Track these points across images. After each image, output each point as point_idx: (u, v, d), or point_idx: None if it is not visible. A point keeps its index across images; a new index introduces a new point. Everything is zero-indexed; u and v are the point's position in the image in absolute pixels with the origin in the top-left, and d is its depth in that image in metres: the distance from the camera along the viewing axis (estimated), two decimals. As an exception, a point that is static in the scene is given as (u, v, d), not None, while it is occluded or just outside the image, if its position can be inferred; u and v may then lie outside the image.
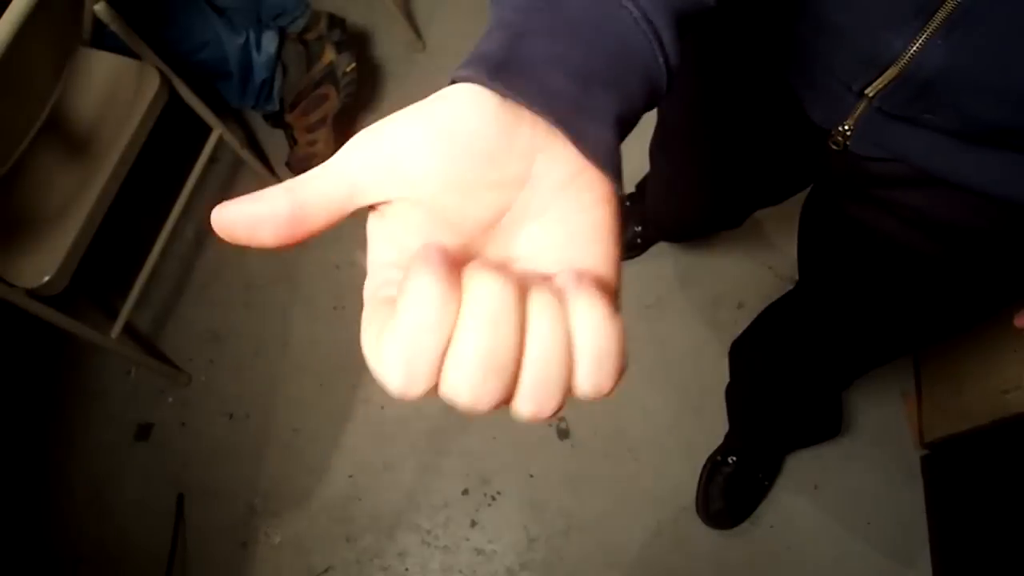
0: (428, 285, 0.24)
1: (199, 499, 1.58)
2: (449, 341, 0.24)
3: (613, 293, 0.29)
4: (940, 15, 0.46)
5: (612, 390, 0.26)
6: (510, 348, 0.24)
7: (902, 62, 0.50)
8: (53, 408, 1.67)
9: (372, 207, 0.28)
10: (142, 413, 1.66)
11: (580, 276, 0.26)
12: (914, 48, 0.49)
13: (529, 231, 0.29)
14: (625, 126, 0.31)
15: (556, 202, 0.29)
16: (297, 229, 0.27)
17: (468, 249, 0.29)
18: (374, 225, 0.29)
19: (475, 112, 0.27)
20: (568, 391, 0.26)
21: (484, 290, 0.24)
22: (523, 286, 0.25)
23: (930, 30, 0.47)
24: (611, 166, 0.29)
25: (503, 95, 0.28)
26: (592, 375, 0.25)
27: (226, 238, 0.27)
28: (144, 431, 1.64)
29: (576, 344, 0.25)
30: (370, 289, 0.28)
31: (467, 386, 0.24)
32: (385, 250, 0.29)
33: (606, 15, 0.30)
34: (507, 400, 0.25)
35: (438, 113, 0.27)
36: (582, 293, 0.25)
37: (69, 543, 1.57)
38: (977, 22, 0.45)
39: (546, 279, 0.27)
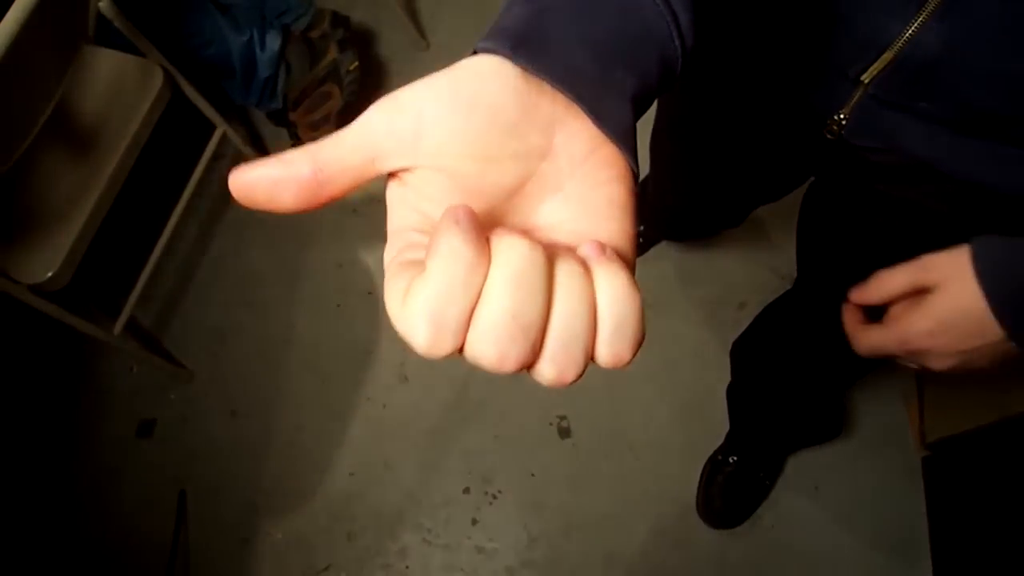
0: (459, 243, 0.24)
1: (201, 496, 1.58)
2: (477, 301, 0.24)
3: (631, 266, 0.30)
4: None
5: (630, 360, 0.27)
6: (537, 310, 0.24)
7: (897, 46, 0.51)
8: (56, 404, 1.68)
9: (392, 175, 0.29)
10: (145, 409, 1.66)
11: (603, 247, 0.27)
12: (909, 31, 0.49)
13: (549, 203, 0.29)
14: (641, 105, 0.31)
15: (574, 176, 0.29)
16: (318, 193, 0.27)
17: (491, 215, 0.29)
18: (394, 192, 0.29)
19: (498, 83, 0.27)
20: (590, 358, 0.26)
21: (514, 252, 0.25)
22: (550, 253, 0.26)
23: (926, 13, 0.47)
24: (628, 144, 0.30)
25: (525, 69, 0.28)
26: (614, 342, 0.26)
27: (244, 202, 0.27)
28: (147, 427, 1.65)
29: (600, 312, 0.26)
30: (391, 254, 0.28)
31: (493, 346, 0.24)
32: (407, 216, 0.29)
33: None
34: (531, 363, 0.25)
35: (461, 82, 0.27)
36: (605, 263, 0.26)
37: (71, 539, 1.57)
38: (972, 5, 0.45)
39: (569, 249, 0.27)
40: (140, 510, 1.58)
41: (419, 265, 0.25)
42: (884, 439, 1.54)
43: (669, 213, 1.39)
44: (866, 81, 0.56)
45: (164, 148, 1.47)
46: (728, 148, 0.92)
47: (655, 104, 1.01)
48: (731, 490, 1.48)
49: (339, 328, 1.68)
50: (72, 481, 1.62)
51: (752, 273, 1.67)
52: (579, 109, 0.29)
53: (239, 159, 1.75)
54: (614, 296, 0.26)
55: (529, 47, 0.28)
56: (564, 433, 1.58)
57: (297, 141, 1.72)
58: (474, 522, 1.53)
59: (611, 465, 1.56)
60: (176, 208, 1.53)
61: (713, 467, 1.50)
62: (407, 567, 1.51)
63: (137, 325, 1.69)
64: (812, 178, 0.92)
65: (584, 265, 0.26)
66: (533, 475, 1.56)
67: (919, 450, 1.51)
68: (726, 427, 1.50)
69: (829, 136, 0.65)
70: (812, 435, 1.51)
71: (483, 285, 0.24)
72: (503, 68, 0.28)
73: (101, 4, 1.16)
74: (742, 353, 1.35)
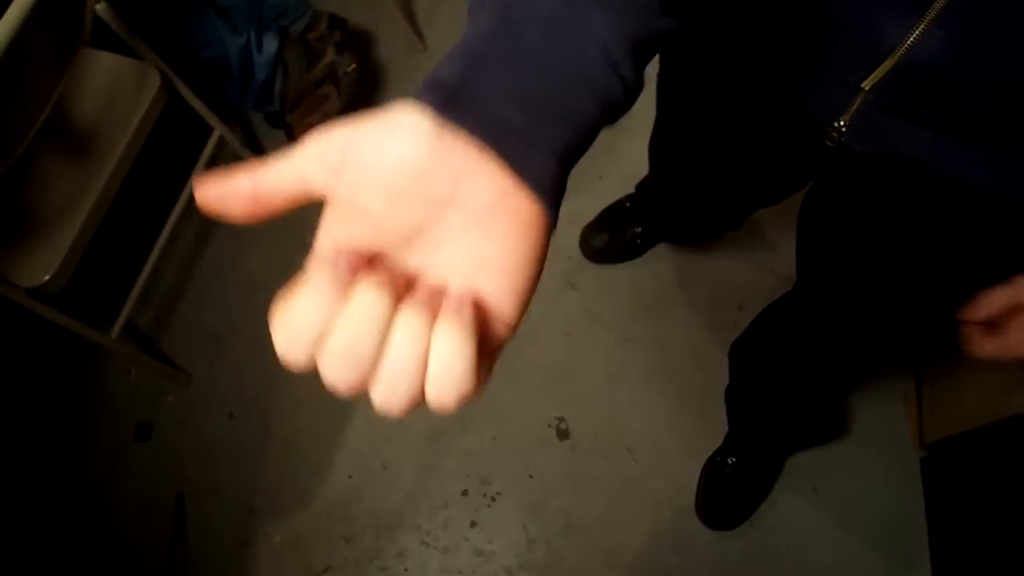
0: (314, 290, 0.29)
1: (199, 498, 1.58)
2: (327, 330, 0.29)
3: (508, 321, 0.32)
4: (938, 4, 0.46)
5: (454, 408, 0.29)
6: (368, 348, 0.28)
7: (899, 52, 0.50)
8: (53, 407, 1.67)
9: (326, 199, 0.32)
10: (142, 412, 1.66)
11: (461, 304, 0.30)
12: (911, 38, 0.49)
13: (447, 247, 0.31)
14: (573, 157, 0.33)
15: (475, 227, 0.30)
16: (258, 209, 0.31)
17: (395, 249, 0.31)
18: (326, 214, 0.32)
19: (410, 134, 0.30)
20: (419, 396, 0.29)
21: (362, 296, 0.29)
22: (403, 298, 0.30)
23: (928, 19, 0.47)
24: (547, 194, 0.31)
25: (449, 122, 0.30)
26: (437, 390, 0.29)
27: (203, 208, 0.31)
28: (144, 430, 1.64)
29: (430, 362, 0.29)
30: (311, 261, 0.32)
31: (329, 369, 0.29)
32: (323, 238, 0.32)
33: (566, 48, 0.32)
34: (362, 389, 0.29)
35: (380, 129, 0.30)
36: (449, 320, 0.29)
37: (69, 542, 1.57)
38: (974, 11, 0.45)
39: (439, 295, 0.30)
40: (138, 513, 1.58)
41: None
42: (883, 440, 1.54)
43: (668, 215, 1.39)
44: (866, 88, 0.56)
45: (161, 150, 1.47)
46: (728, 153, 0.92)
47: (655, 107, 1.01)
48: (730, 491, 1.48)
49: (337, 330, 1.67)
50: (70, 484, 1.61)
51: (751, 274, 1.67)
52: (492, 161, 0.30)
53: (236, 161, 1.75)
54: (443, 352, 0.28)
55: (458, 102, 0.30)
56: (563, 435, 1.58)
57: (294, 143, 1.71)
58: (473, 524, 1.53)
59: (610, 466, 1.56)
60: (174, 211, 1.53)
61: (712, 468, 1.50)
62: (405, 569, 1.51)
63: (135, 328, 1.69)
64: (812, 183, 0.92)
65: (436, 315, 0.29)
66: (532, 477, 1.56)
67: (918, 451, 1.51)
68: (725, 428, 1.50)
69: (829, 143, 0.65)
70: (811, 436, 1.51)
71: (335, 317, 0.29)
72: (420, 123, 0.30)
73: (98, 7, 1.16)
74: (741, 354, 1.35)
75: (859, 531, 1.49)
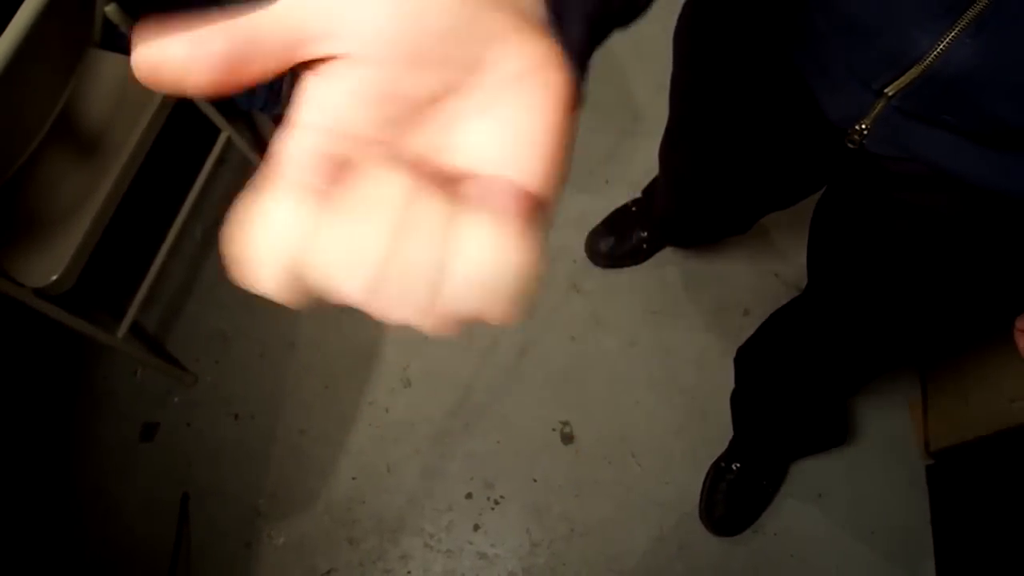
0: (287, 201, 0.23)
1: (204, 499, 1.58)
2: (307, 237, 0.23)
3: (540, 205, 0.27)
4: (970, 13, 0.45)
5: (506, 316, 0.25)
6: (380, 240, 0.23)
7: (927, 60, 0.49)
8: (59, 407, 1.68)
9: (310, 65, 0.26)
10: (148, 413, 1.66)
11: (509, 190, 0.25)
12: (940, 47, 0.48)
13: (469, 122, 0.27)
14: (599, 31, 0.30)
15: (505, 96, 0.27)
16: (233, 76, 0.24)
17: (402, 126, 0.26)
18: (309, 84, 0.26)
19: None
20: (435, 299, 0.24)
21: (370, 183, 0.23)
22: (424, 183, 0.24)
23: (958, 28, 0.46)
24: (582, 67, 0.29)
25: None
26: (473, 291, 0.24)
27: (148, 82, 0.25)
28: (150, 431, 1.65)
29: (462, 253, 0.24)
30: (279, 150, 0.26)
31: (328, 273, 0.23)
32: (311, 111, 0.26)
33: None
34: (368, 293, 0.24)
35: None
36: (501, 214, 0.24)
37: (73, 542, 1.57)
38: (1007, 21, 0.44)
39: (466, 178, 0.26)
40: (142, 513, 1.58)
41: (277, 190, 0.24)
42: (888, 447, 1.54)
43: (678, 220, 1.38)
44: (890, 93, 0.55)
45: (169, 152, 1.47)
46: (744, 154, 0.91)
47: (667, 109, 1.01)
48: (734, 497, 1.48)
49: (342, 332, 1.68)
50: (75, 484, 1.62)
51: (756, 279, 1.67)
52: (527, 24, 0.27)
53: (244, 163, 1.76)
54: (482, 242, 0.24)
55: None
56: (567, 439, 1.58)
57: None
58: (476, 527, 1.53)
59: (614, 471, 1.55)
60: (181, 212, 1.53)
61: (716, 474, 1.50)
62: (408, 572, 1.51)
63: (141, 328, 1.70)
64: (826, 186, 0.91)
65: (462, 203, 0.24)
66: (535, 481, 1.56)
67: (923, 458, 1.50)
68: (729, 434, 1.50)
69: (850, 145, 0.64)
70: (816, 442, 1.50)
71: (322, 215, 0.23)
72: None
73: (107, 8, 1.16)
74: (747, 360, 1.35)
75: (864, 538, 1.49)
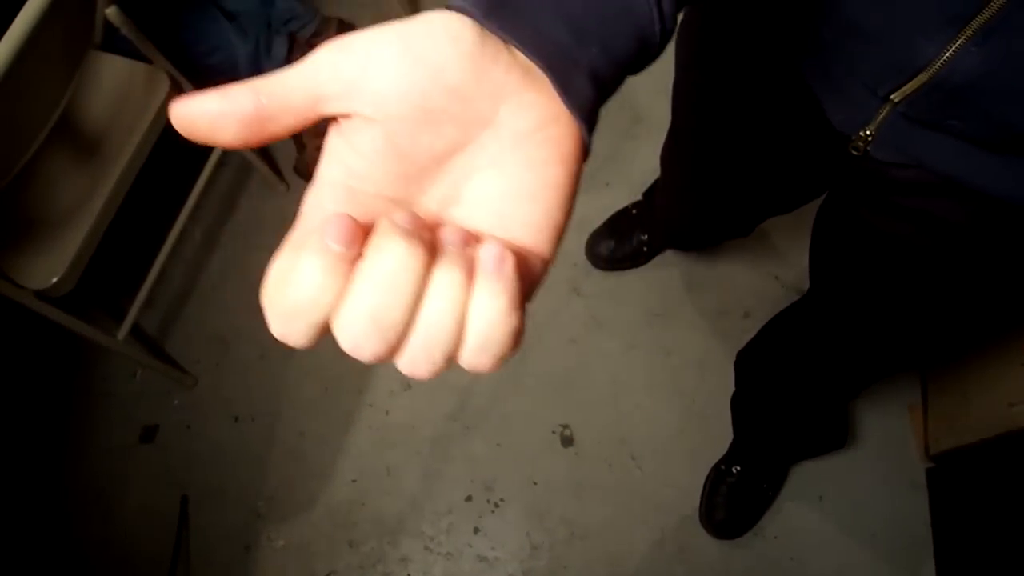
0: (314, 268, 0.24)
1: (203, 501, 1.58)
2: (340, 296, 0.24)
3: (540, 259, 0.29)
4: (976, 22, 0.45)
5: (490, 371, 0.26)
6: (400, 312, 0.24)
7: (933, 68, 0.49)
8: (59, 409, 1.68)
9: (333, 120, 0.28)
10: (148, 415, 1.66)
11: (502, 259, 0.26)
12: (947, 54, 0.48)
13: (480, 176, 0.28)
14: (609, 87, 0.31)
15: (513, 152, 0.28)
16: (259, 129, 0.27)
17: (417, 181, 0.28)
18: (332, 139, 0.29)
19: (449, 42, 0.27)
20: (451, 359, 0.26)
21: (388, 253, 0.24)
22: (437, 246, 0.26)
23: (965, 36, 0.46)
24: (589, 123, 0.29)
25: (495, 34, 0.27)
26: (473, 356, 0.26)
27: (185, 133, 0.27)
28: (149, 433, 1.65)
29: (468, 326, 0.25)
30: (305, 207, 0.28)
31: (351, 338, 0.25)
32: (332, 168, 0.28)
33: None
34: (387, 358, 0.25)
35: (412, 35, 0.27)
36: (491, 280, 0.25)
37: (73, 544, 1.57)
38: (1015, 30, 0.44)
39: (471, 241, 0.27)
40: (142, 516, 1.58)
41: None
42: (888, 450, 1.53)
43: (679, 223, 1.38)
44: (896, 100, 0.55)
45: (169, 154, 1.47)
46: (747, 160, 0.91)
47: (668, 112, 1.01)
48: (734, 500, 1.48)
49: (342, 335, 1.67)
50: (74, 486, 1.62)
51: (757, 282, 1.67)
52: (535, 82, 0.28)
53: (244, 165, 1.76)
54: (486, 319, 0.25)
55: (503, 11, 0.28)
56: (567, 442, 1.58)
57: (302, 148, 1.72)
58: (476, 530, 1.53)
59: (614, 474, 1.55)
60: (181, 214, 1.54)
61: (716, 477, 1.50)
62: (408, 575, 1.51)
63: (141, 330, 1.70)
64: (828, 191, 0.91)
65: (472, 270, 0.26)
66: (535, 483, 1.55)
67: (923, 462, 1.50)
68: (729, 437, 1.50)
69: (854, 152, 0.64)
70: (816, 445, 1.50)
71: (349, 278, 0.24)
72: (461, 28, 0.27)
73: (108, 11, 1.17)
74: (748, 363, 1.35)
75: (864, 540, 1.48)
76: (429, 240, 0.26)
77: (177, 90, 1.38)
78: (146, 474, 1.62)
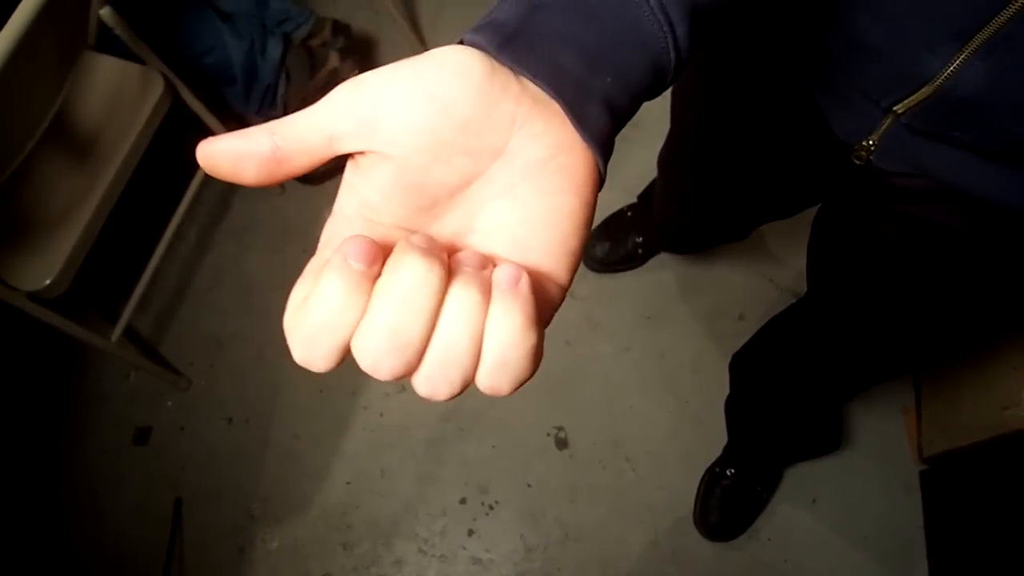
0: (334, 288, 0.25)
1: (197, 503, 1.58)
2: (359, 318, 0.25)
3: (557, 285, 0.29)
4: (981, 36, 0.45)
5: (509, 393, 0.27)
6: (418, 330, 0.25)
7: (938, 81, 0.49)
8: (52, 411, 1.67)
9: (351, 156, 0.29)
10: (141, 417, 1.65)
11: (518, 278, 0.26)
12: (951, 68, 0.48)
13: (494, 205, 0.29)
14: (623, 115, 0.31)
15: (525, 181, 0.28)
16: (277, 169, 0.28)
17: (432, 211, 0.29)
18: (348, 174, 0.29)
19: (462, 79, 0.27)
20: (469, 381, 0.26)
21: (406, 270, 0.25)
22: (453, 268, 0.26)
23: (969, 50, 0.46)
24: (603, 151, 0.30)
25: (510, 67, 0.28)
26: (491, 377, 0.26)
27: (210, 172, 0.28)
28: (143, 435, 1.64)
29: (485, 345, 0.26)
30: (324, 238, 0.29)
31: (368, 355, 0.25)
32: (349, 201, 0.29)
33: (623, 0, 0.30)
34: (406, 376, 0.26)
35: (423, 73, 0.27)
36: (508, 298, 0.26)
37: (66, 546, 1.56)
38: (1019, 44, 0.44)
39: (487, 263, 0.27)
40: (135, 517, 1.58)
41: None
42: (882, 453, 1.54)
43: (677, 227, 1.38)
44: (899, 111, 0.55)
45: (164, 155, 1.47)
46: (748, 167, 0.91)
47: (664, 115, 1.01)
48: (728, 502, 1.48)
49: (337, 336, 1.67)
50: (68, 488, 1.61)
51: (751, 285, 1.67)
52: (545, 111, 0.28)
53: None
54: (503, 337, 0.25)
55: (518, 44, 0.28)
56: (561, 444, 1.58)
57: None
58: (471, 532, 1.53)
59: (608, 476, 1.55)
60: (175, 215, 1.53)
61: (711, 479, 1.50)
62: (403, 577, 1.51)
63: (135, 332, 1.69)
64: (828, 197, 0.91)
65: (489, 290, 0.26)
66: (530, 486, 1.55)
67: (917, 464, 1.51)
68: (724, 439, 1.50)
69: (857, 161, 0.64)
70: (810, 448, 1.50)
71: (369, 297, 0.25)
72: (471, 63, 0.27)
73: (102, 11, 1.16)
74: (742, 366, 1.35)
75: (857, 543, 1.49)
76: (446, 261, 0.26)
77: (171, 91, 1.37)
78: (140, 475, 1.61)
